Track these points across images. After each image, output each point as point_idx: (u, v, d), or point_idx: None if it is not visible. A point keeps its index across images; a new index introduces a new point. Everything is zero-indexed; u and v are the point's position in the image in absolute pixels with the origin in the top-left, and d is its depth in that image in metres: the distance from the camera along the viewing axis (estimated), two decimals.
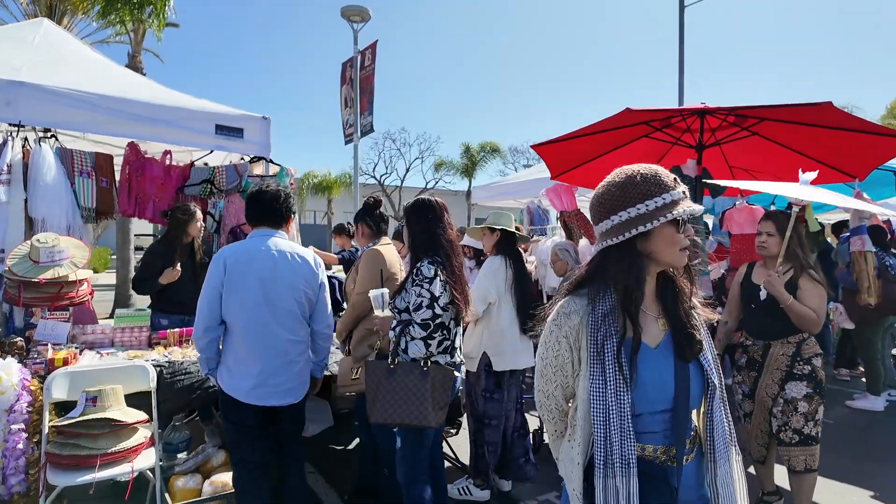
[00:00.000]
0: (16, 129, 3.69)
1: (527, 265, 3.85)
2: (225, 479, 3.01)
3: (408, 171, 33.79)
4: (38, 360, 2.98)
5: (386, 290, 2.73)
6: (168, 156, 4.47)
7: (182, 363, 3.21)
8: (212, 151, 4.62)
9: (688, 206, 1.36)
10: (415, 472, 2.71)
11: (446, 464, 3.64)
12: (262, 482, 2.72)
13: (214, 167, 4.67)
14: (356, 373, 3.04)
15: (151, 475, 2.89)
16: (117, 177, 4.25)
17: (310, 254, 2.83)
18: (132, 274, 11.26)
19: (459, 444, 4.17)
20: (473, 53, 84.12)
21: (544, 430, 4.33)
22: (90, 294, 3.62)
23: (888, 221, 5.62)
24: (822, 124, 3.85)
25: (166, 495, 2.97)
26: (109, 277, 13.19)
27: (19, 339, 3.13)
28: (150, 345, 3.59)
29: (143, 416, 2.90)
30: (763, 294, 2.99)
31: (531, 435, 3.83)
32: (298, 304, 2.71)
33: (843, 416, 5.33)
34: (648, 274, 1.43)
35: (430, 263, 2.62)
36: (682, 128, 4.43)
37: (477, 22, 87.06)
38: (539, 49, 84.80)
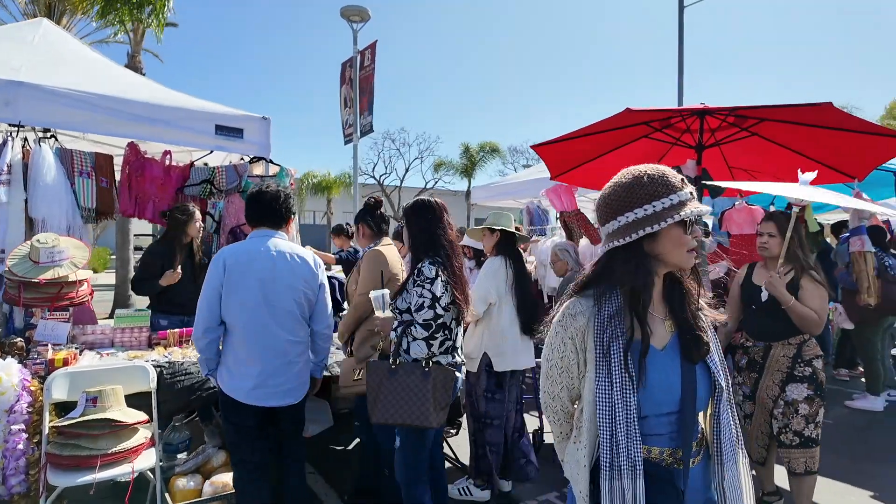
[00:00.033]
0: (16, 129, 3.68)
1: (526, 265, 3.85)
2: (225, 479, 3.01)
3: (407, 171, 33.81)
4: (38, 361, 2.97)
5: (387, 291, 2.73)
6: (168, 156, 4.47)
7: (182, 364, 3.20)
8: (212, 152, 4.62)
9: (695, 207, 1.35)
10: (415, 472, 2.71)
11: (446, 464, 3.64)
12: (262, 483, 2.72)
13: (214, 167, 4.67)
14: (358, 373, 3.04)
15: (152, 476, 2.89)
16: (117, 177, 4.25)
17: (309, 254, 2.83)
18: (131, 274, 11.25)
19: (459, 445, 4.18)
20: (473, 53, 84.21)
21: (544, 430, 4.37)
22: (90, 294, 3.61)
23: (887, 222, 5.63)
24: (821, 125, 3.85)
25: (166, 496, 2.97)
26: (108, 277, 13.19)
27: (19, 339, 3.13)
28: (150, 345, 3.59)
29: (143, 416, 2.90)
30: (764, 295, 2.98)
31: (531, 435, 3.84)
32: (298, 305, 2.71)
33: (843, 417, 5.34)
34: (656, 275, 1.42)
35: (431, 264, 2.62)
36: (682, 128, 4.43)
37: (476, 22, 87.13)
38: (538, 49, 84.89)
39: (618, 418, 1.32)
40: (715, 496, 1.46)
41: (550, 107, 76.98)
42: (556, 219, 6.63)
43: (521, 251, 3.96)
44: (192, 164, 4.65)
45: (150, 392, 2.98)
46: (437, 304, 2.56)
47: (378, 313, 2.70)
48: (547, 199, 6.23)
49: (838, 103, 3.41)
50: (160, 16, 9.58)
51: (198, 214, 4.15)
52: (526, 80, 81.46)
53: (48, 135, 3.91)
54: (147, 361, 3.12)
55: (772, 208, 5.17)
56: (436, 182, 33.35)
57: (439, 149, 62.73)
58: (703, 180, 4.12)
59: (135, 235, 11.99)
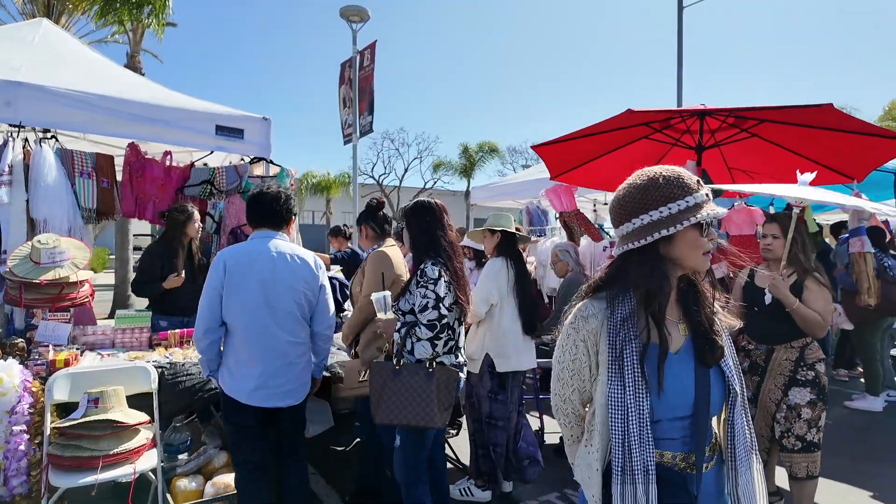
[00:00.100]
0: (16, 129, 3.68)
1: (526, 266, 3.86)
2: (227, 480, 3.01)
3: (406, 171, 33.81)
4: (39, 362, 2.97)
5: (388, 293, 2.74)
6: (168, 156, 4.47)
7: (183, 364, 3.20)
8: (212, 152, 4.62)
9: (712, 210, 1.33)
10: (414, 472, 2.72)
11: (447, 465, 3.65)
12: (263, 483, 2.72)
13: (214, 168, 4.67)
14: (363, 375, 3.04)
15: (153, 477, 2.89)
16: (118, 177, 4.25)
17: (310, 255, 2.83)
18: (131, 274, 11.25)
19: (460, 446, 4.18)
20: (472, 53, 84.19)
21: (544, 431, 4.37)
22: (91, 295, 3.61)
23: (886, 222, 5.64)
24: (821, 126, 3.86)
25: (168, 497, 2.97)
26: (107, 278, 13.17)
27: (20, 340, 3.12)
28: (151, 346, 3.58)
29: (144, 417, 2.90)
30: (768, 298, 2.95)
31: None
32: (298, 306, 2.72)
33: (842, 417, 5.35)
34: (672, 278, 1.40)
35: (433, 265, 2.62)
36: (682, 129, 4.44)
37: (476, 22, 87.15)
38: (538, 49, 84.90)
39: (630, 422, 1.30)
40: (728, 501, 1.44)
41: (550, 107, 77.04)
42: (556, 219, 6.64)
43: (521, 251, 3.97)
44: (192, 164, 4.65)
45: (152, 393, 2.98)
46: (440, 305, 2.56)
47: (380, 315, 2.70)
48: (546, 200, 6.23)
49: (837, 104, 3.41)
50: (160, 16, 9.58)
51: (196, 215, 4.16)
52: (525, 80, 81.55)
53: (49, 135, 3.91)
54: (148, 362, 3.12)
55: (771, 209, 5.18)
56: (435, 182, 33.35)
57: (438, 149, 62.99)
58: (703, 182, 4.12)
59: (134, 235, 11.98)
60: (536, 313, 3.58)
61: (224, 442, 3.37)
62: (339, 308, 4.54)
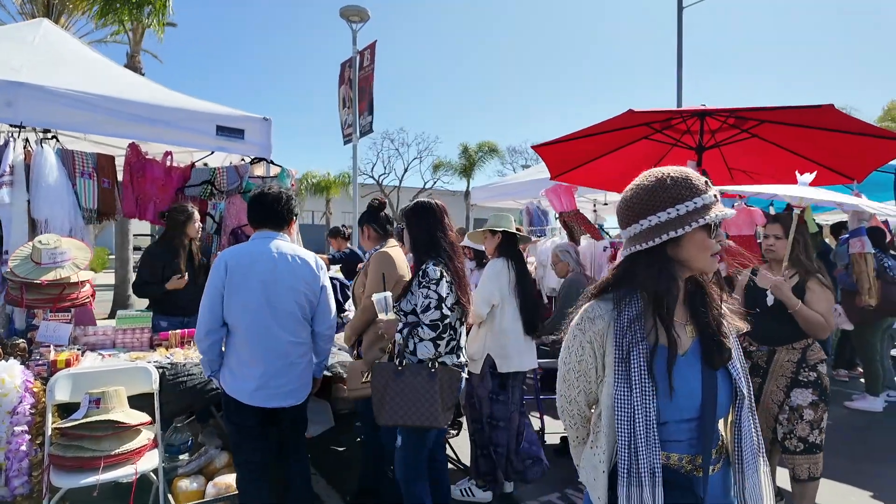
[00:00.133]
0: (17, 130, 3.68)
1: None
2: (228, 480, 3.01)
3: (406, 171, 33.84)
4: (40, 362, 2.97)
5: (389, 294, 2.74)
6: (169, 157, 4.47)
7: (184, 365, 3.20)
8: (212, 152, 4.62)
9: (720, 211, 1.32)
10: (415, 471, 2.73)
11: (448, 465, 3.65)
12: (264, 483, 2.73)
13: (215, 168, 4.67)
14: (367, 376, 3.04)
15: (154, 477, 2.89)
16: (119, 178, 4.25)
17: (311, 256, 2.84)
18: (131, 274, 11.25)
19: (461, 446, 4.18)
20: (472, 53, 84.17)
21: (545, 431, 4.37)
22: (92, 295, 3.61)
23: (886, 222, 5.65)
24: (821, 126, 3.86)
25: (169, 497, 2.97)
26: (107, 278, 13.16)
27: (21, 340, 3.12)
28: (152, 346, 3.58)
29: (146, 417, 2.90)
30: (770, 299, 2.93)
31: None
32: (299, 307, 2.72)
33: (842, 417, 5.35)
34: (679, 279, 1.39)
35: (434, 265, 2.63)
36: (682, 129, 4.44)
37: (476, 22, 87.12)
38: (538, 49, 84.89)
39: (637, 424, 1.29)
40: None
41: (550, 107, 77.03)
42: (556, 219, 6.65)
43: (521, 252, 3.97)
44: (193, 164, 4.65)
45: (153, 393, 2.98)
46: (443, 305, 2.57)
47: (381, 316, 2.70)
48: (546, 200, 6.24)
49: (837, 104, 3.41)
50: (160, 16, 9.58)
51: (196, 215, 4.15)
52: (525, 80, 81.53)
53: (49, 135, 3.90)
54: (149, 363, 3.12)
55: (771, 210, 5.18)
56: (434, 182, 33.37)
57: (438, 149, 63.00)
58: None
59: (134, 235, 11.98)
60: (538, 313, 3.59)
61: (223, 442, 3.37)
62: (340, 308, 4.54)
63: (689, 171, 1.37)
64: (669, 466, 1.37)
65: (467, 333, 3.40)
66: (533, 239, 6.48)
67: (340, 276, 5.39)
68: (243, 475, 2.74)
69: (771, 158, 4.46)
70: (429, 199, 2.86)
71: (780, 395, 3.01)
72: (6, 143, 3.62)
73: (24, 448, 2.66)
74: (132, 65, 11.19)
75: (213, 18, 75.77)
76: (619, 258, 1.47)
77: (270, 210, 2.77)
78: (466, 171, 31.92)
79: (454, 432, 4.49)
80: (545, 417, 4.48)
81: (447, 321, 2.59)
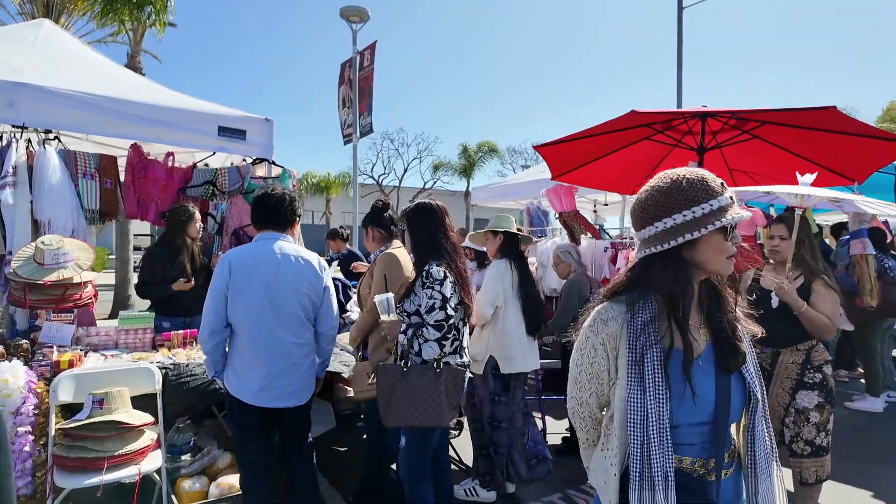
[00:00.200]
0: (19, 130, 3.68)
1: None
2: (231, 481, 3.01)
3: (406, 171, 33.88)
4: (43, 363, 2.97)
5: (391, 295, 2.74)
6: (171, 157, 4.47)
7: (187, 365, 3.20)
8: (214, 153, 4.62)
9: (736, 213, 1.30)
10: (418, 471, 2.73)
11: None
12: (267, 484, 2.73)
13: (217, 169, 4.67)
14: (373, 378, 3.04)
15: (157, 477, 2.89)
16: (122, 178, 4.25)
17: (314, 257, 2.84)
18: (131, 274, 11.25)
19: (462, 446, 4.19)
20: (472, 53, 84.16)
21: (547, 432, 4.38)
22: (94, 296, 3.61)
23: (886, 223, 5.66)
24: (822, 128, 3.87)
25: (173, 497, 2.97)
26: (107, 278, 13.14)
27: (24, 341, 3.13)
28: (155, 347, 3.59)
29: (149, 418, 2.90)
30: (775, 301, 2.90)
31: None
32: (302, 308, 2.72)
33: (843, 418, 5.35)
34: (695, 282, 1.37)
35: (437, 265, 2.63)
36: (684, 130, 4.45)
37: (476, 22, 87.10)
38: (538, 49, 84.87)
39: (650, 427, 1.28)
40: None
41: (550, 107, 77.06)
42: (556, 219, 6.66)
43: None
44: (194, 165, 4.65)
45: (156, 394, 2.98)
46: (447, 305, 2.57)
47: (384, 317, 2.70)
48: (546, 200, 6.25)
49: (837, 105, 3.41)
50: (161, 16, 9.58)
51: (197, 215, 4.16)
52: (525, 80, 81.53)
53: (52, 136, 3.90)
54: (152, 363, 3.12)
55: (771, 211, 5.19)
56: (434, 182, 33.40)
57: (438, 149, 63.06)
58: None
59: (134, 235, 11.97)
60: (540, 314, 3.59)
61: (217, 442, 3.38)
62: (342, 309, 4.54)
63: (705, 172, 1.35)
64: (682, 470, 1.35)
65: (470, 334, 3.41)
66: (534, 239, 6.49)
67: (342, 276, 5.39)
68: (247, 475, 2.74)
69: (772, 159, 4.47)
70: (429, 199, 2.86)
71: (786, 397, 2.98)
72: (9, 144, 3.62)
73: (27, 449, 2.66)
74: (132, 65, 11.18)
75: (213, 18, 75.85)
76: (632, 260, 1.46)
77: (274, 211, 2.77)
78: (466, 171, 31.96)
79: (456, 432, 4.50)
80: (547, 418, 4.48)
81: (451, 321, 2.60)
